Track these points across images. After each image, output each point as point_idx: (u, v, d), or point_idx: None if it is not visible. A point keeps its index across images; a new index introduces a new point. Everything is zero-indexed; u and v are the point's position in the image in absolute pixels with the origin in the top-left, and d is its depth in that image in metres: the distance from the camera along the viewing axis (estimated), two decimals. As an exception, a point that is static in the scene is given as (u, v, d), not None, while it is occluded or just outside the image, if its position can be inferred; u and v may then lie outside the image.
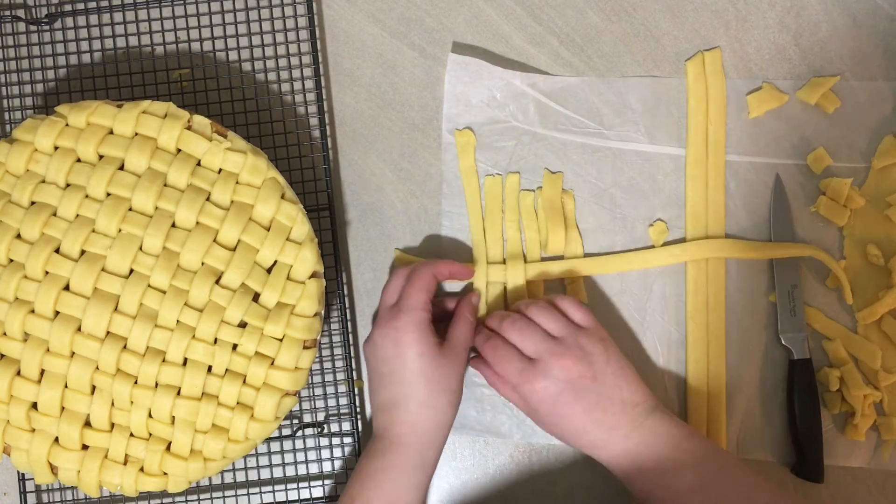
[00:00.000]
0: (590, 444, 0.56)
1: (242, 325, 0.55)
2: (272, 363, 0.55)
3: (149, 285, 0.54)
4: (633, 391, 0.56)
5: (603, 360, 0.56)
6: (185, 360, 0.54)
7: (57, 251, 0.54)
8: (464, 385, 0.59)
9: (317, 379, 0.64)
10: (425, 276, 0.57)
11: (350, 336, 0.64)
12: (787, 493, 0.55)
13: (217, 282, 0.54)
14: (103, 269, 0.54)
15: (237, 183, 0.56)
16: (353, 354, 0.64)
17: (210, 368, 0.54)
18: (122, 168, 0.55)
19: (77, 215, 0.54)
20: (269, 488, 0.63)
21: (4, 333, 0.54)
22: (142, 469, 0.55)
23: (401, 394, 0.55)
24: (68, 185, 0.55)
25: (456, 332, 0.58)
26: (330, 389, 0.64)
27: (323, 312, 0.58)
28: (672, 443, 0.55)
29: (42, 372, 0.54)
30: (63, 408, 0.54)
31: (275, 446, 0.63)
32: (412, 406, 0.55)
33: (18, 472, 0.63)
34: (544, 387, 0.55)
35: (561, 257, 0.65)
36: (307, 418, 0.64)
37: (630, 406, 0.56)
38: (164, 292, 0.54)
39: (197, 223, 0.55)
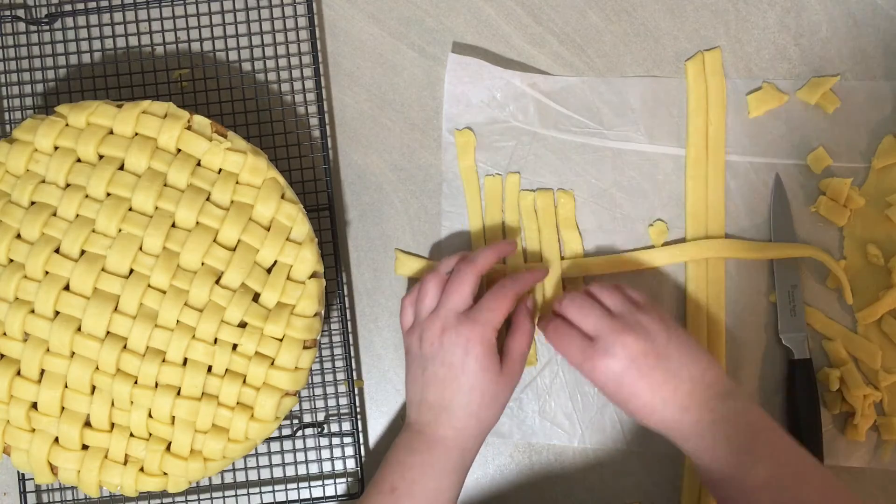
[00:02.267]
0: (661, 423, 0.54)
1: (242, 325, 0.55)
2: (272, 363, 0.55)
3: (149, 285, 0.54)
4: (703, 369, 0.54)
5: (664, 337, 0.55)
6: (185, 360, 0.54)
7: (57, 251, 0.54)
8: None
9: (317, 379, 0.64)
10: (509, 291, 0.57)
11: (350, 336, 0.65)
12: None
13: (217, 282, 0.54)
14: (103, 269, 0.54)
15: (237, 183, 0.56)
16: (353, 354, 0.64)
17: (210, 368, 0.54)
18: (122, 168, 0.55)
19: (77, 215, 0.54)
20: (269, 488, 0.63)
21: (4, 333, 0.54)
22: (142, 469, 0.55)
23: (454, 400, 0.55)
24: (68, 185, 0.55)
25: (514, 346, 0.58)
26: (330, 389, 0.64)
27: (323, 312, 0.58)
28: (748, 433, 0.53)
29: (42, 372, 0.54)
30: (63, 408, 0.54)
31: (275, 446, 0.63)
32: (461, 414, 0.55)
33: (18, 472, 0.63)
34: (606, 365, 0.54)
35: (561, 257, 0.65)
36: (307, 418, 0.64)
37: (702, 386, 0.54)
38: (164, 292, 0.54)
39: (197, 223, 0.55)
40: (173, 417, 0.54)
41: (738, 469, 0.51)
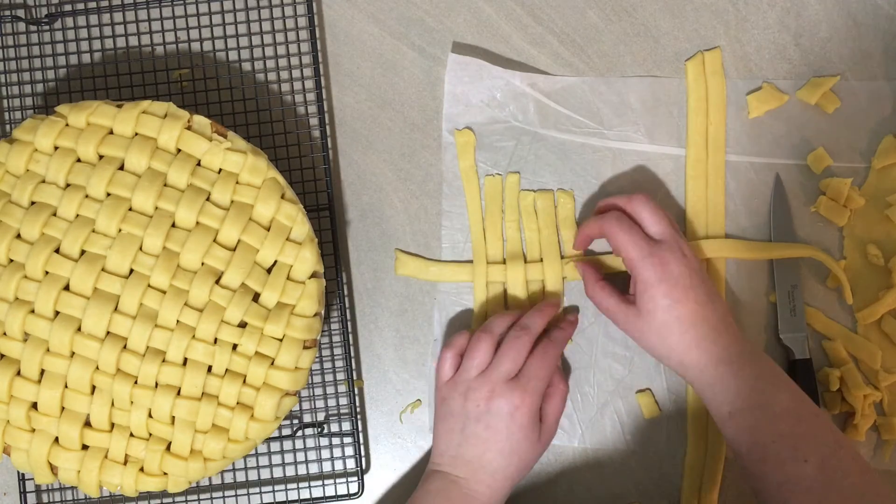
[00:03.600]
0: (695, 340, 0.55)
1: (242, 325, 0.55)
2: (272, 363, 0.55)
3: (149, 285, 0.54)
4: (727, 309, 0.58)
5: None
6: (185, 360, 0.54)
7: (57, 251, 0.54)
8: None
9: (317, 379, 0.64)
10: (553, 357, 0.58)
11: (350, 336, 0.65)
12: (864, 461, 0.54)
13: (217, 282, 0.54)
14: (103, 269, 0.54)
15: (237, 183, 0.56)
16: (352, 354, 0.64)
17: (210, 368, 0.54)
18: (122, 168, 0.55)
19: (77, 215, 0.54)
20: (269, 488, 0.63)
21: (4, 333, 0.54)
22: (142, 469, 0.55)
23: (494, 462, 0.56)
24: (68, 185, 0.55)
25: (551, 410, 0.59)
26: (330, 389, 0.64)
27: (323, 312, 0.58)
28: (770, 366, 0.55)
29: (42, 372, 0.54)
30: (63, 408, 0.54)
31: (275, 446, 0.63)
32: (499, 476, 0.56)
33: (18, 472, 0.63)
34: (672, 262, 0.56)
35: (561, 257, 0.64)
36: (307, 418, 0.64)
37: (730, 321, 0.57)
38: (164, 292, 0.54)
39: (197, 223, 0.55)
40: (173, 417, 0.54)
41: (762, 395, 0.54)
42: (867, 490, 0.50)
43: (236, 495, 0.63)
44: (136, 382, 0.54)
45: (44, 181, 0.55)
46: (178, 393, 0.54)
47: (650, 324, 0.56)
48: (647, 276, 0.56)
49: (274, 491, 0.63)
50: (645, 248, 0.56)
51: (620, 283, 0.61)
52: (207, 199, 0.55)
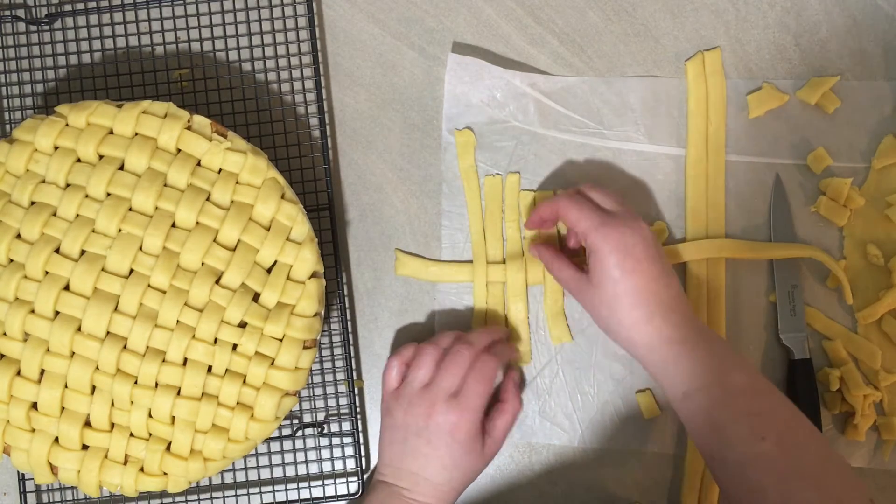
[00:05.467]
0: (650, 314, 0.54)
1: (242, 325, 0.55)
2: (272, 363, 0.55)
3: (149, 285, 0.54)
4: (681, 288, 0.57)
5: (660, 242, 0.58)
6: (185, 360, 0.54)
7: (57, 251, 0.54)
8: None
9: (317, 379, 0.64)
10: (491, 370, 0.58)
11: (350, 336, 0.65)
12: (820, 436, 0.53)
13: (217, 282, 0.54)
14: (103, 269, 0.54)
15: (237, 183, 0.56)
16: (353, 354, 0.64)
17: (210, 368, 0.54)
18: (122, 168, 0.55)
19: (77, 215, 0.54)
20: (269, 488, 0.63)
21: (4, 333, 0.54)
22: (142, 469, 0.55)
23: (436, 476, 0.56)
24: (68, 185, 0.55)
25: (499, 424, 0.59)
26: (330, 389, 0.64)
27: (323, 312, 0.58)
28: (724, 344, 0.55)
29: (42, 372, 0.54)
30: (63, 408, 0.54)
31: (275, 446, 0.63)
32: (444, 487, 0.57)
33: (18, 472, 0.63)
34: (623, 232, 0.55)
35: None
36: (307, 418, 0.64)
37: (683, 299, 0.56)
38: (164, 292, 0.54)
39: (197, 223, 0.55)
40: (173, 417, 0.54)
41: (717, 374, 0.53)
42: (827, 464, 0.50)
43: (236, 495, 0.63)
44: (136, 382, 0.54)
45: (44, 181, 0.55)
46: (178, 393, 0.54)
47: (601, 295, 0.55)
48: (598, 245, 0.55)
49: (274, 491, 0.63)
50: (596, 218, 0.55)
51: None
52: (207, 199, 0.55)
